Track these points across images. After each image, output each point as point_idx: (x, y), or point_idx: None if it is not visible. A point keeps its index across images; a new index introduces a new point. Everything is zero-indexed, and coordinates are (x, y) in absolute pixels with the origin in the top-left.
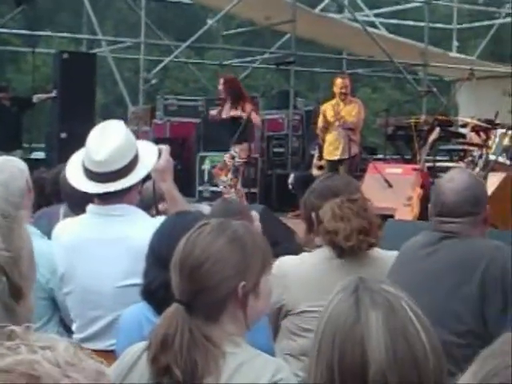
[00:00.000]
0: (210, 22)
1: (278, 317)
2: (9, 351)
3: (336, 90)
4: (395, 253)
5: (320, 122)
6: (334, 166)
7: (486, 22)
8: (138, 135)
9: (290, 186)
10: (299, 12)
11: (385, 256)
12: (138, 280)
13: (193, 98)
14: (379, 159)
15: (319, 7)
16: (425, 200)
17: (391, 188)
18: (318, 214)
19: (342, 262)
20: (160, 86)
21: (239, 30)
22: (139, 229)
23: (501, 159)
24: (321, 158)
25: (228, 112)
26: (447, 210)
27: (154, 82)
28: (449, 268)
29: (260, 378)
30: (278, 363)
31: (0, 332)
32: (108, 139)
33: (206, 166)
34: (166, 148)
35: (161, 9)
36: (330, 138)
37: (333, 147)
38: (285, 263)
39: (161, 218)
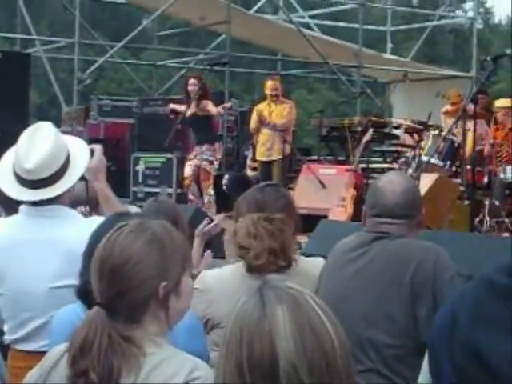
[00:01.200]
0: (145, 22)
1: (204, 330)
2: None
3: (267, 91)
4: (319, 260)
5: (252, 123)
6: (266, 166)
7: (419, 25)
8: (73, 136)
9: (225, 187)
10: (234, 13)
11: (306, 268)
12: (72, 281)
13: (127, 98)
14: (313, 160)
15: (254, 8)
16: (358, 201)
17: (325, 189)
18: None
19: (258, 278)
20: (94, 87)
21: (174, 30)
22: (72, 230)
23: (433, 160)
24: (254, 159)
25: (194, 110)
26: (387, 211)
27: (88, 82)
28: (381, 269)
29: (176, 376)
30: (195, 362)
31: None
32: (38, 145)
33: (140, 167)
34: (98, 147)
35: (96, 9)
36: (262, 138)
37: (265, 148)
38: (209, 278)
39: (94, 219)
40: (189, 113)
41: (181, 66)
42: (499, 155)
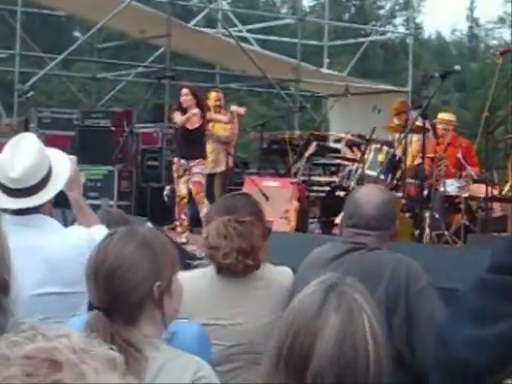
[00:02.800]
0: (77, 34)
1: None
2: (26, 340)
3: (210, 103)
4: (285, 268)
5: None
6: (209, 179)
7: (355, 40)
8: None
9: (166, 198)
10: (174, 26)
11: (273, 273)
12: (54, 288)
13: (67, 110)
14: (253, 173)
15: (193, 22)
16: (301, 213)
17: (268, 201)
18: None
19: (226, 280)
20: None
21: (113, 43)
22: (54, 238)
23: (374, 173)
24: None
25: (198, 122)
26: (364, 222)
27: (30, 94)
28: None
29: (182, 377)
30: (198, 361)
31: (14, 325)
32: (22, 154)
33: (82, 179)
34: (72, 158)
35: (28, 19)
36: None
37: (209, 160)
38: (180, 278)
39: (74, 227)
40: (179, 125)
41: (120, 78)
42: (439, 169)
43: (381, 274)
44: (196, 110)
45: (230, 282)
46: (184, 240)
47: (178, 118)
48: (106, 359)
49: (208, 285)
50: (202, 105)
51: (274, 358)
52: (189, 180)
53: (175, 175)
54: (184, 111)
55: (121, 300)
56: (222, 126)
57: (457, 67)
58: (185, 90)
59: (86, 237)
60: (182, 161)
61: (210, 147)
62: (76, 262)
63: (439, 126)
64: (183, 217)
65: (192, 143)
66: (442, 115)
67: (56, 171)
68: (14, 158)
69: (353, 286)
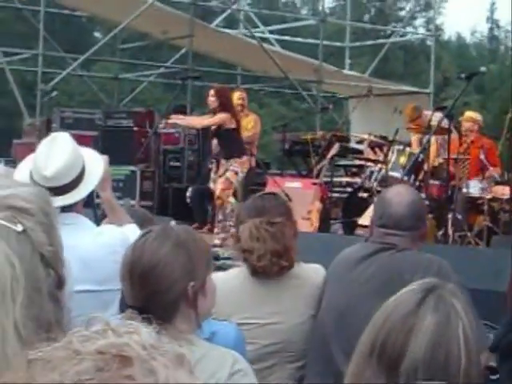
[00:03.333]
0: (97, 34)
1: None
2: (97, 335)
3: (234, 102)
4: (318, 266)
5: None
6: None
7: (376, 41)
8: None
9: (188, 200)
10: (196, 27)
11: (306, 271)
12: (87, 286)
13: (89, 110)
14: (275, 174)
15: (215, 22)
16: (324, 214)
17: (290, 202)
18: (238, 230)
19: (260, 280)
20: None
21: (135, 44)
22: (87, 237)
23: (398, 174)
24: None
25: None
26: (393, 222)
27: (54, 94)
28: (386, 279)
29: (220, 370)
30: (234, 354)
31: (83, 319)
32: (56, 153)
33: None
34: (105, 158)
35: (48, 19)
36: None
37: None
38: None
39: (106, 226)
40: (213, 126)
41: (142, 79)
42: (462, 170)
43: (411, 274)
44: (221, 115)
45: (265, 280)
46: (217, 242)
47: (198, 121)
48: (175, 356)
49: (241, 285)
50: (227, 106)
51: (365, 354)
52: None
53: (213, 176)
54: (214, 112)
55: (156, 299)
56: (244, 127)
57: (482, 69)
58: (211, 92)
59: (118, 235)
60: (223, 161)
61: None
62: (108, 260)
63: (465, 124)
64: (220, 217)
65: (227, 143)
66: (469, 113)
67: (89, 170)
68: (48, 156)
69: (453, 292)
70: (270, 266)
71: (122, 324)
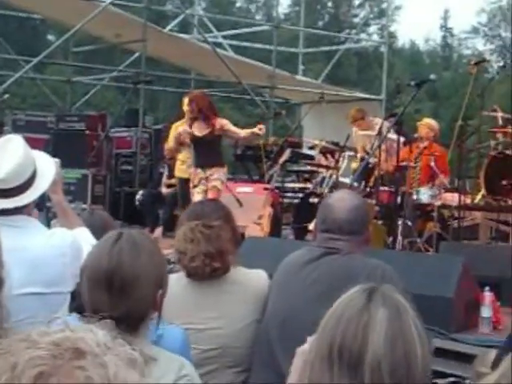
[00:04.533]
0: (51, 37)
1: None
2: (56, 331)
3: (184, 107)
4: (260, 271)
5: (172, 142)
6: (184, 183)
7: (330, 47)
8: None
9: (138, 203)
10: (150, 31)
11: (248, 276)
12: (34, 289)
13: (42, 113)
14: (227, 179)
15: (168, 27)
16: (275, 219)
17: (242, 207)
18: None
19: (199, 285)
20: None
21: (88, 47)
22: (37, 239)
23: (348, 181)
24: (170, 176)
25: (201, 130)
26: (336, 227)
27: (6, 96)
28: (330, 283)
29: (166, 375)
30: (181, 360)
31: (30, 322)
32: (7, 156)
33: None
34: (56, 161)
35: (1, 22)
36: (182, 156)
37: (186, 165)
38: None
39: (56, 229)
40: (197, 134)
41: (95, 82)
42: (412, 176)
43: (355, 278)
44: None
45: (204, 286)
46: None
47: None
48: (128, 358)
49: (183, 289)
50: (205, 112)
51: (323, 358)
52: (207, 188)
53: (191, 185)
54: (192, 120)
55: (132, 309)
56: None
57: (432, 76)
58: (186, 100)
59: (69, 238)
60: (198, 170)
61: (185, 154)
62: (58, 263)
63: (422, 131)
64: None
65: (206, 151)
66: (427, 120)
67: (41, 173)
68: (1, 159)
69: (392, 290)
70: (202, 268)
71: (82, 325)
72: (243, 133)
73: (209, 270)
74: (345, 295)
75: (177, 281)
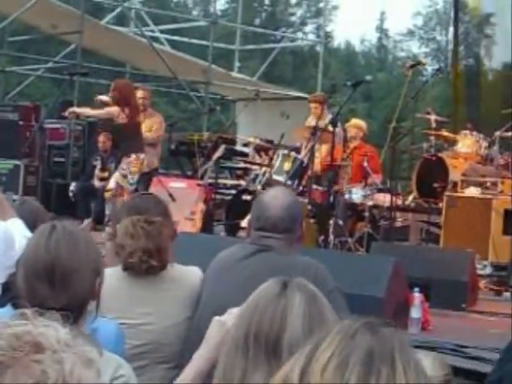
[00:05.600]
0: None
1: None
2: (19, 324)
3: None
4: (194, 268)
5: None
6: None
7: (267, 45)
8: None
9: (71, 194)
10: (86, 23)
11: (182, 273)
12: None
13: None
14: (160, 173)
15: (105, 19)
16: (207, 215)
17: (174, 202)
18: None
19: (134, 279)
20: None
21: (23, 37)
22: None
23: (281, 179)
24: (103, 169)
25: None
26: (270, 225)
27: None
28: (263, 280)
29: (103, 374)
30: (118, 360)
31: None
32: None
33: None
34: None
35: None
36: None
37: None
38: None
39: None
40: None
41: (30, 73)
42: (343, 176)
43: (288, 276)
44: (109, 108)
45: (139, 281)
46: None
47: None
48: (86, 357)
49: (117, 283)
50: (120, 100)
51: (238, 347)
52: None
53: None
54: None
55: (73, 300)
56: (147, 128)
57: (368, 77)
58: (112, 85)
59: (0, 229)
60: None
61: None
62: None
63: (350, 131)
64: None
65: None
66: (355, 120)
67: None
68: None
69: (303, 280)
70: (139, 264)
71: (46, 321)
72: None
73: (145, 266)
74: (259, 288)
75: (112, 274)
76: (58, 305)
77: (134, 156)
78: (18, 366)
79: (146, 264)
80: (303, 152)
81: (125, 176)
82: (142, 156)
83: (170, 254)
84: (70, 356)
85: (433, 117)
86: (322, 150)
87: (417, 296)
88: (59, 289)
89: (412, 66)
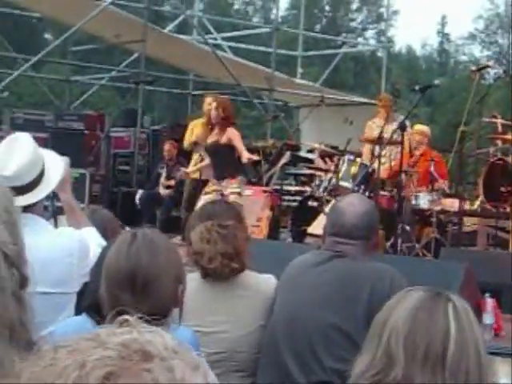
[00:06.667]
0: (48, 35)
1: None
2: (123, 331)
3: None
4: (270, 277)
5: (189, 139)
6: (196, 185)
7: (329, 51)
8: None
9: (138, 202)
10: (149, 31)
11: (258, 281)
12: (41, 288)
13: (40, 112)
14: None
15: (168, 28)
16: (273, 221)
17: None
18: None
19: (213, 285)
20: None
21: (86, 46)
22: (42, 238)
23: (347, 184)
24: (169, 177)
25: (214, 137)
26: (345, 231)
27: (5, 94)
28: (337, 286)
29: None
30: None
31: (114, 321)
32: (16, 154)
33: None
34: (65, 159)
35: None
36: (196, 157)
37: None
38: None
39: (64, 229)
40: (210, 140)
41: (94, 82)
42: (411, 181)
43: (364, 282)
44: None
45: (216, 288)
46: None
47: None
48: (194, 362)
49: (195, 290)
50: (231, 120)
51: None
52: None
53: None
54: (212, 125)
55: (155, 308)
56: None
57: (436, 81)
58: (214, 104)
59: (76, 238)
60: (214, 181)
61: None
62: (64, 263)
63: (415, 137)
64: None
65: (219, 161)
66: (418, 127)
67: (49, 171)
68: (8, 156)
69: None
70: (221, 268)
71: (149, 327)
72: (245, 155)
73: (227, 270)
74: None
75: (189, 282)
76: (141, 313)
77: (239, 178)
78: (129, 375)
79: (228, 268)
80: (368, 157)
81: (239, 194)
82: (240, 178)
83: (247, 257)
84: (178, 363)
85: (499, 120)
86: (389, 156)
87: (489, 301)
88: (141, 296)
89: (479, 70)
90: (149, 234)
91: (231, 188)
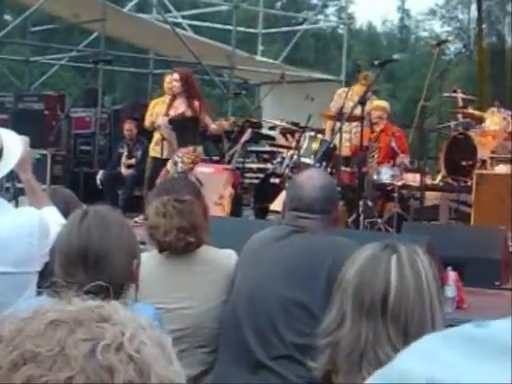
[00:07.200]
0: (7, 17)
1: None
2: (98, 306)
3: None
4: (230, 251)
5: (150, 118)
6: (157, 164)
7: (290, 28)
8: None
9: (98, 183)
10: (109, 11)
11: (218, 256)
12: (3, 268)
13: (0, 93)
14: None
15: (128, 7)
16: (235, 199)
17: (202, 187)
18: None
19: (173, 261)
20: None
21: (45, 26)
22: (4, 219)
23: (309, 161)
24: (130, 156)
25: (177, 110)
26: (305, 205)
27: None
28: (298, 261)
29: None
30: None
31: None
32: None
33: None
34: (25, 139)
35: None
36: (155, 137)
37: (159, 146)
38: None
39: (24, 208)
40: (173, 112)
41: (54, 62)
42: (372, 157)
43: (324, 256)
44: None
45: (175, 263)
46: None
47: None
48: (157, 338)
49: (155, 267)
50: (194, 92)
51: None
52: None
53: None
54: (174, 97)
55: (110, 283)
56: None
57: (395, 56)
58: (175, 75)
59: (36, 217)
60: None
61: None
62: (24, 243)
63: (375, 113)
64: None
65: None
66: (377, 102)
67: (7, 151)
68: None
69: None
70: (176, 242)
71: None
72: (213, 126)
73: (182, 244)
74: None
75: (148, 259)
76: (93, 289)
77: (191, 148)
78: (81, 327)
79: (183, 241)
80: (329, 133)
81: (175, 163)
82: (199, 149)
83: (205, 233)
84: (135, 327)
85: (459, 95)
86: (348, 133)
87: (451, 275)
88: (94, 272)
89: (438, 44)
90: (100, 211)
91: (185, 157)
